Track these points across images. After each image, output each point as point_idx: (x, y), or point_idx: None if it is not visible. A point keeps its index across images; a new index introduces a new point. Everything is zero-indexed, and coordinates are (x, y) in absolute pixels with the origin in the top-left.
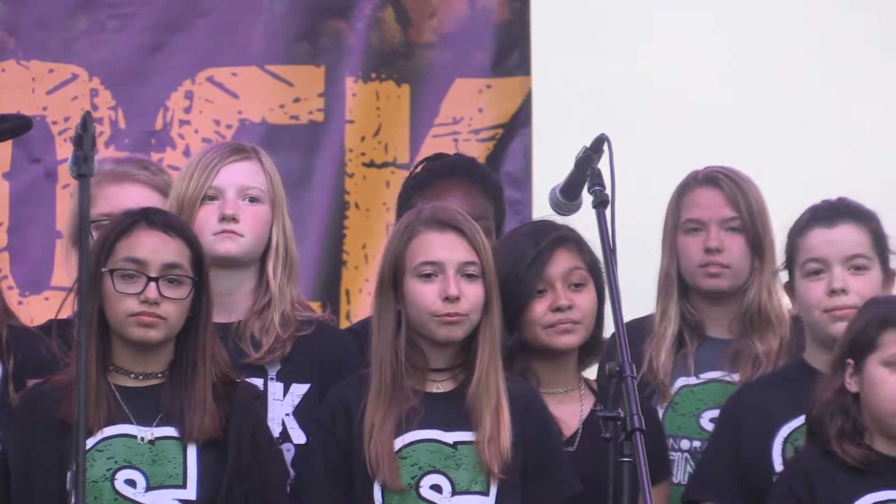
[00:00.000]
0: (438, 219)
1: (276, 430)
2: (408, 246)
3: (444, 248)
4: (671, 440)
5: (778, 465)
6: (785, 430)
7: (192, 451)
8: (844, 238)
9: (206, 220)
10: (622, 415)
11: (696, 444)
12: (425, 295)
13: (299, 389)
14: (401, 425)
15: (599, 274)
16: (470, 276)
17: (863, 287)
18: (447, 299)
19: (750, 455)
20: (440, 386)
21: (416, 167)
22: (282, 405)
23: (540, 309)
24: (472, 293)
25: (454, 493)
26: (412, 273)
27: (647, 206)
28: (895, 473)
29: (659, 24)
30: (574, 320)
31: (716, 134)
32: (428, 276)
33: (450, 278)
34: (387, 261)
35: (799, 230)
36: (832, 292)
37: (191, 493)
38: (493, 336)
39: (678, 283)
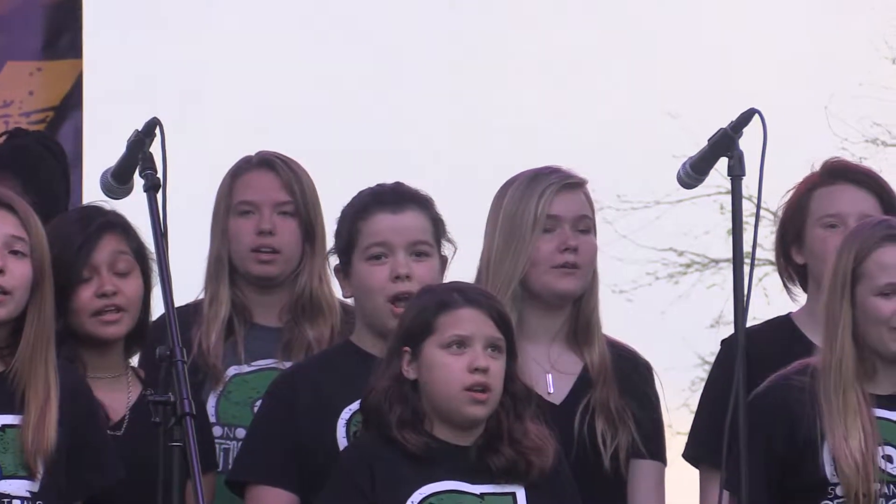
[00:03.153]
0: None
1: None
2: None
3: None
4: (226, 429)
5: (343, 446)
6: (346, 413)
7: None
8: (410, 224)
9: None
10: (172, 399)
11: None
12: None
13: None
14: None
15: (147, 260)
16: (16, 253)
17: (424, 273)
18: None
19: (311, 436)
20: None
21: None
22: None
23: (86, 295)
24: (18, 270)
25: (1, 477)
26: None
27: (201, 189)
28: (455, 460)
29: (222, 12)
30: (119, 306)
31: (273, 122)
32: None
33: None
34: None
35: (360, 213)
36: (396, 278)
37: None
38: (43, 318)
39: (229, 267)
